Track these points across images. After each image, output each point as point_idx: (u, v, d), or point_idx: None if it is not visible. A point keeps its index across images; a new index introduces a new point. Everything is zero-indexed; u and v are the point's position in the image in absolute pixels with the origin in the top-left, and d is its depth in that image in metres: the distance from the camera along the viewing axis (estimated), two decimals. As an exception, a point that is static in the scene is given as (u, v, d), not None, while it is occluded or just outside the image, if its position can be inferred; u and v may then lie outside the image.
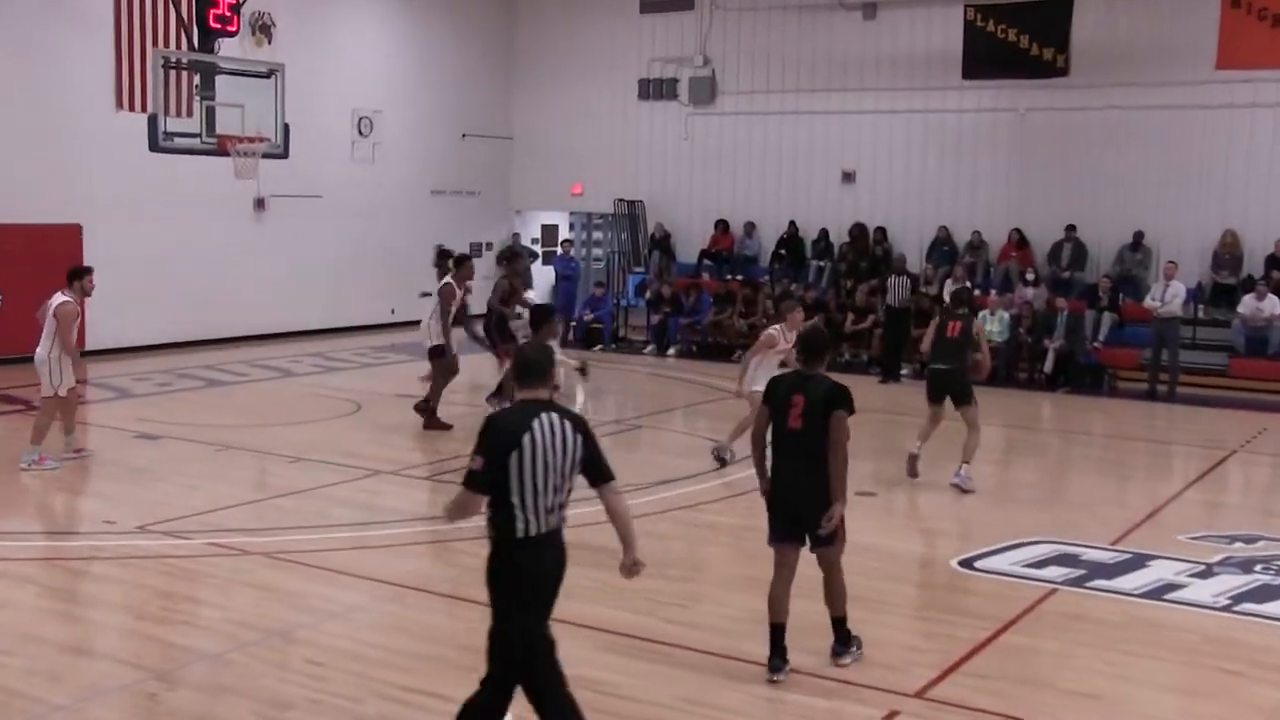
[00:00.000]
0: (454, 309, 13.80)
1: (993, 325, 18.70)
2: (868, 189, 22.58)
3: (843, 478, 6.83)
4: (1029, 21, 20.06)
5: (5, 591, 7.98)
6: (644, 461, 12.62)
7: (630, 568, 5.76)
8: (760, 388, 8.34)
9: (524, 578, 5.35)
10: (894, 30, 22.08)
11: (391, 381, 17.27)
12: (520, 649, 5.32)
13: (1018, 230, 20.67)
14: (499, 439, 5.19)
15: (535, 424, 5.21)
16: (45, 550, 8.95)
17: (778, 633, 6.99)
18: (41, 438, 11.50)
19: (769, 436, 7.02)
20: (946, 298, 19.83)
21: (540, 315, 9.87)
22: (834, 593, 7.14)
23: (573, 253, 25.23)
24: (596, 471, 5.46)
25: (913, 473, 11.79)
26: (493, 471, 5.16)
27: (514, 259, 15.61)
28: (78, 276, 11.77)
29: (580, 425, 5.39)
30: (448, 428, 13.64)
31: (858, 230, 22.07)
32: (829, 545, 6.97)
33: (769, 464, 7.06)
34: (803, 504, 6.86)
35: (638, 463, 12.64)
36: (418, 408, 13.93)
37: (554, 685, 5.38)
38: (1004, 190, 21.36)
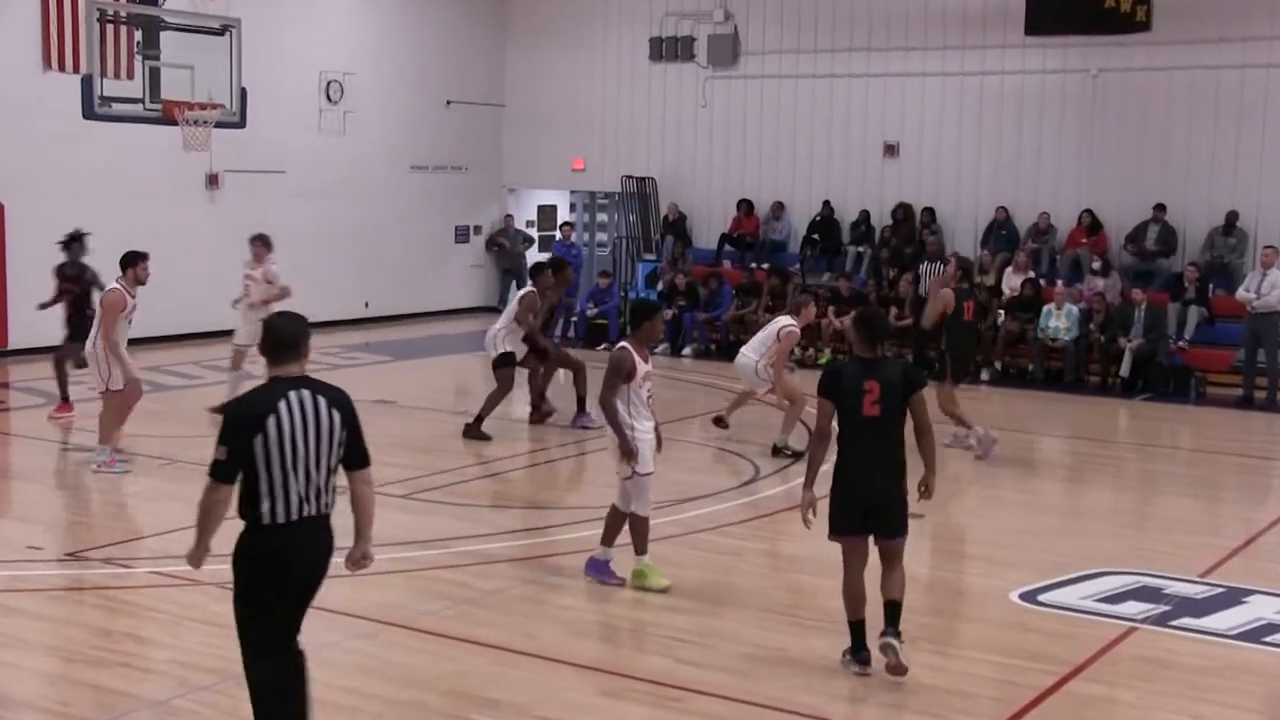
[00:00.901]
0: (533, 319, 14.34)
1: (1059, 321, 18.64)
2: (914, 164, 22.51)
3: (934, 456, 7.65)
4: (1104, -34, 19.97)
5: (-84, 627, 7.95)
6: (659, 477, 12.53)
7: (359, 560, 6.13)
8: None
9: (272, 567, 5.66)
10: (945, -21, 22.04)
11: (366, 386, 17.20)
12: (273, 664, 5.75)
13: (1089, 212, 20.58)
14: (240, 423, 5.57)
15: (282, 404, 5.54)
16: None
17: (858, 629, 7.53)
18: (109, 437, 12.03)
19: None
20: (1006, 289, 19.84)
21: (641, 313, 9.52)
22: (897, 582, 7.59)
23: (574, 237, 25.21)
24: (351, 454, 5.82)
25: (986, 452, 13.37)
26: (237, 459, 5.54)
27: (560, 268, 15.50)
28: (130, 263, 12.45)
29: (339, 401, 5.71)
30: (487, 439, 13.94)
31: (902, 212, 22.01)
32: (901, 537, 7.55)
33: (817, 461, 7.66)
34: (878, 494, 7.44)
35: (649, 479, 12.59)
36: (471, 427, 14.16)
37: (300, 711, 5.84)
38: (1073, 165, 21.26)
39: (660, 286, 22.31)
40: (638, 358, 8.91)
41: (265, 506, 5.59)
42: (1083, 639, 8.28)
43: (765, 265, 22.28)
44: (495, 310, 25.87)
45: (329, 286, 22.97)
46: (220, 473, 5.62)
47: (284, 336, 5.73)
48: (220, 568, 8.98)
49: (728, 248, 23.24)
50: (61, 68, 18.77)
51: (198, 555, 5.90)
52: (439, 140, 25.20)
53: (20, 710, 6.84)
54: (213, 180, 21.12)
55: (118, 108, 15.84)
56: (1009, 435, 14.01)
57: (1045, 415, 16.90)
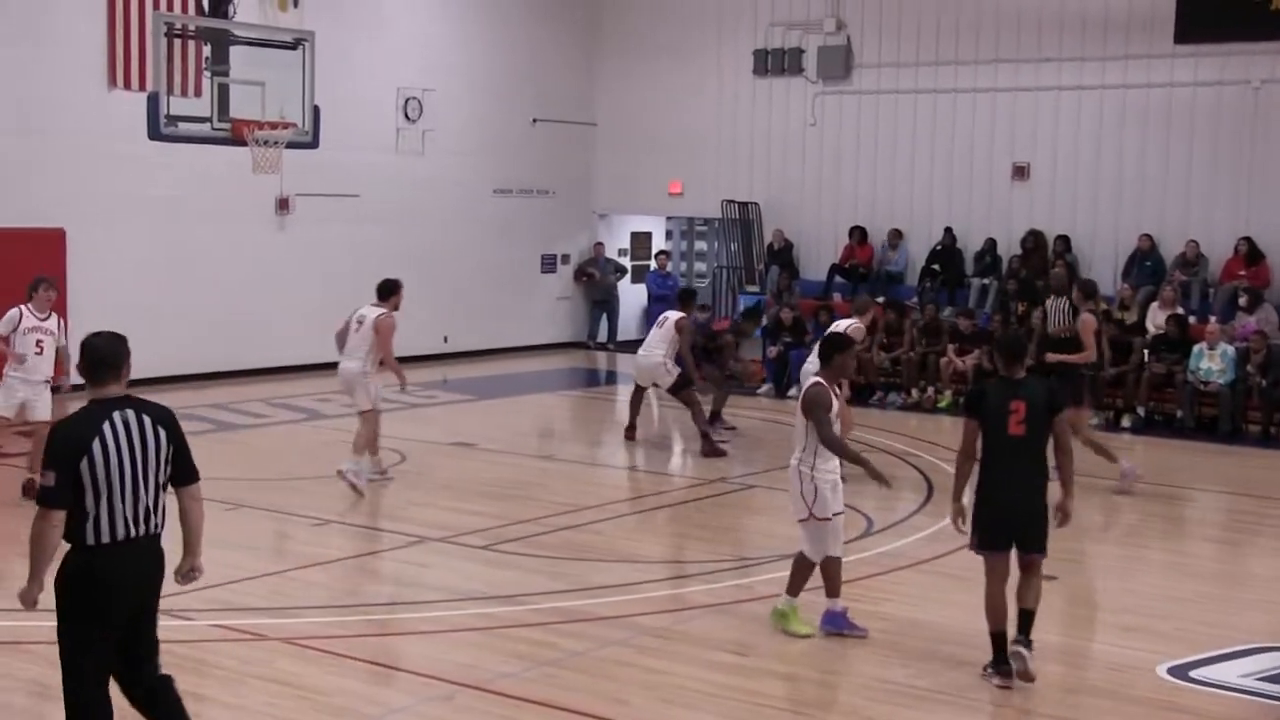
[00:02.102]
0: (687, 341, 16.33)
1: (1211, 363, 18.27)
2: (1046, 188, 22.31)
3: (1073, 481, 8.53)
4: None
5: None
6: (760, 530, 12.52)
7: (188, 574, 6.51)
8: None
9: (97, 588, 5.99)
10: (1083, -16, 21.88)
11: (443, 426, 17.39)
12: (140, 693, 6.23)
13: (1247, 240, 20.26)
14: (66, 448, 5.92)
15: (106, 426, 5.97)
16: (9, 631, 9.08)
17: (999, 641, 8.33)
18: (362, 450, 13.56)
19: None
20: (1151, 326, 19.51)
21: (833, 346, 9.75)
22: (1033, 592, 8.42)
23: (669, 267, 25.28)
24: (180, 471, 6.27)
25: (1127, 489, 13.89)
26: (66, 485, 5.88)
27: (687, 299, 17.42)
28: (392, 292, 14.35)
29: (164, 419, 6.19)
30: (723, 454, 15.97)
31: (1032, 240, 21.79)
32: (1042, 552, 8.38)
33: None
34: (1022, 511, 8.31)
35: (751, 532, 12.56)
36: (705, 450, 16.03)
37: None
38: (1229, 188, 20.93)
39: (764, 321, 22.26)
40: (831, 392, 9.30)
41: (91, 528, 5.96)
42: (1238, 720, 8.10)
43: (880, 299, 22.15)
44: (584, 346, 26.17)
45: (405, 319, 23.11)
46: (50, 499, 5.94)
47: (104, 356, 6.20)
48: (283, 621, 9.13)
49: (838, 279, 23.15)
50: (127, 85, 19.22)
51: (30, 592, 6.20)
52: (524, 161, 25.40)
53: (73, 772, 6.95)
54: (283, 204, 21.49)
55: (184, 127, 16.16)
56: (1155, 489, 13.78)
57: (1196, 467, 16.57)
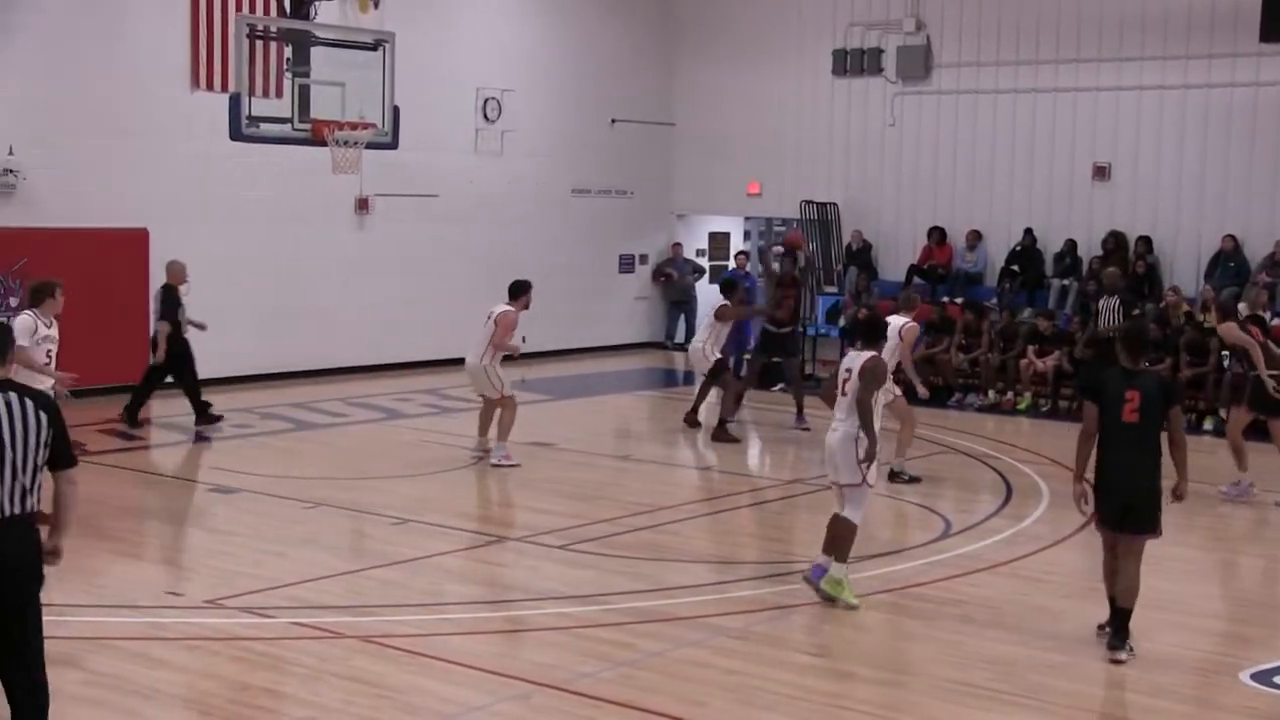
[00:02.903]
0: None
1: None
2: (1127, 188, 22.05)
3: (1187, 467, 9.08)
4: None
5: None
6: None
7: (51, 552, 6.49)
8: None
9: None
10: (1165, -18, 21.59)
11: (522, 427, 17.41)
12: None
13: (1333, 241, 19.91)
14: None
15: None
16: (94, 628, 9.18)
17: (1115, 604, 8.93)
18: (505, 436, 14.70)
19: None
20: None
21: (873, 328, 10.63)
22: (1127, 585, 8.87)
23: (749, 267, 25.18)
24: (58, 455, 6.38)
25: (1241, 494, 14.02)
26: None
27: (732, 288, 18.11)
28: (522, 291, 15.57)
29: (45, 404, 6.34)
30: (735, 440, 16.74)
31: (1113, 241, 21.55)
32: (1148, 533, 8.93)
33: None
34: (1136, 493, 8.88)
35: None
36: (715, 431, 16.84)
37: None
38: (1314, 188, 20.61)
39: (843, 321, 22.16)
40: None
41: None
42: (1325, 727, 7.93)
43: (959, 299, 21.99)
44: (661, 346, 26.16)
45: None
46: None
47: None
48: (360, 619, 9.16)
49: (917, 280, 22.98)
50: (209, 87, 19.43)
51: None
52: (603, 162, 25.44)
53: (154, 766, 7.03)
54: (362, 204, 21.64)
55: (265, 128, 16.25)
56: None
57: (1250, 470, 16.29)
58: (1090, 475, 9.11)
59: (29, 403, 6.28)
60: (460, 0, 23.05)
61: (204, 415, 16.78)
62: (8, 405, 6.21)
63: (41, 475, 6.33)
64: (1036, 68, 22.63)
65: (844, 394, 9.92)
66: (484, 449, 15.04)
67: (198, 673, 8.41)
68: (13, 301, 17.97)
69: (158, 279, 19.18)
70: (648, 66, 26.12)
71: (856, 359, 9.98)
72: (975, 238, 22.96)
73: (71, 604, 9.71)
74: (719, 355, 17.31)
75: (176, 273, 16.88)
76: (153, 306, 17.40)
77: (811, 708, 7.94)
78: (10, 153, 17.91)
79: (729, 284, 18.24)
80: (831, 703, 8.03)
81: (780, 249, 20.20)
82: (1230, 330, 14.32)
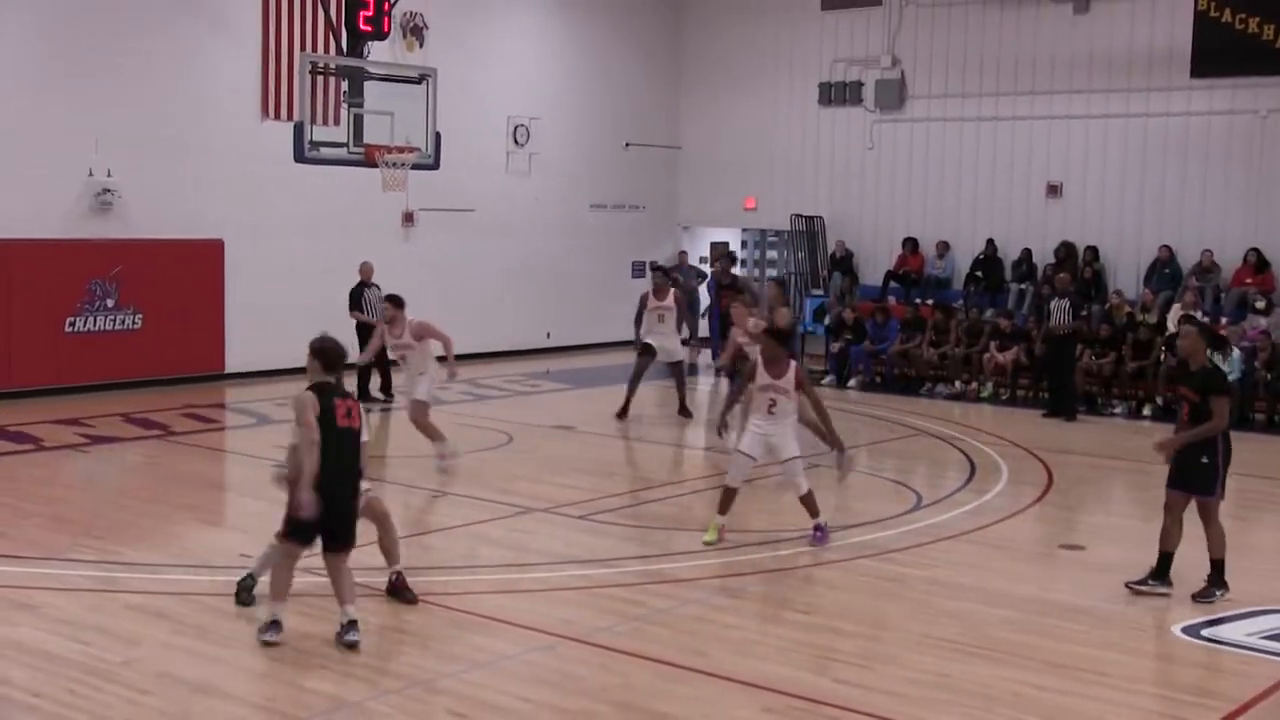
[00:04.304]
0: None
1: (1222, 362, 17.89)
2: (1077, 204, 22.03)
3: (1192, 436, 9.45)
4: (1273, 8, 19.26)
5: (140, 627, 8.28)
6: (824, 505, 12.43)
7: None
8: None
9: None
10: (1110, 25, 21.51)
11: (547, 411, 17.49)
12: None
13: (1255, 250, 19.84)
14: None
15: None
16: (181, 584, 9.26)
17: (1165, 559, 9.46)
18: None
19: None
20: (1171, 325, 19.20)
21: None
22: (1212, 541, 9.40)
23: (735, 270, 25.14)
24: None
25: None
26: None
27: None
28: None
29: None
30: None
31: (1064, 250, 21.53)
32: (1206, 495, 9.42)
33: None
34: (1187, 462, 9.40)
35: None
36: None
37: None
38: (1239, 205, 20.55)
39: (827, 320, 22.16)
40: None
41: None
42: (1250, 676, 7.94)
43: (930, 301, 21.97)
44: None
45: (513, 318, 23.40)
46: None
47: None
48: (429, 579, 9.20)
49: (893, 284, 22.98)
50: (277, 116, 19.51)
51: None
52: (618, 180, 25.47)
53: (232, 703, 7.08)
54: (408, 218, 21.67)
55: (325, 151, 16.33)
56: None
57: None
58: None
59: None
60: (494, 39, 23.07)
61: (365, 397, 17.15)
62: None
63: None
64: (998, 99, 22.60)
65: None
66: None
67: (267, 625, 8.46)
68: (109, 303, 18.07)
69: (232, 284, 19.32)
70: (658, 97, 26.13)
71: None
72: (944, 247, 22.92)
73: (161, 563, 9.80)
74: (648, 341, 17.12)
75: (366, 271, 17.87)
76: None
77: (801, 658, 7.98)
78: (109, 174, 18.00)
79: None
80: (820, 654, 8.06)
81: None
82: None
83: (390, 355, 14.55)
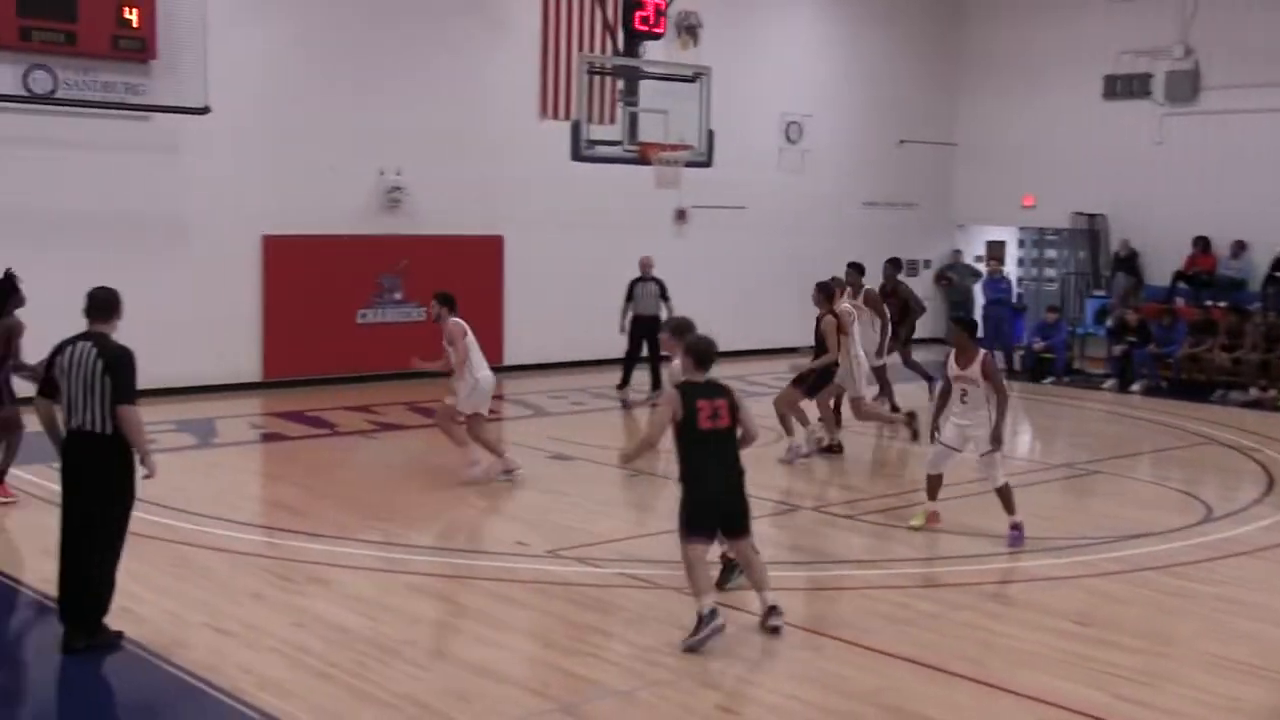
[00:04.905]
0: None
1: None
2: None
3: None
4: None
5: (421, 607, 8.65)
6: (1102, 513, 12.00)
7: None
8: None
9: None
10: None
11: (815, 409, 17.35)
12: None
13: None
14: None
15: None
16: (459, 568, 9.63)
17: None
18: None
19: None
20: None
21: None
22: None
23: (1006, 272, 24.51)
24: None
25: None
26: None
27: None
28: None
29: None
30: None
31: (1377, 249, 20.12)
32: None
33: None
34: None
35: (1094, 513, 12.05)
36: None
37: None
38: None
39: (1109, 322, 21.33)
40: None
41: None
42: None
43: (1223, 304, 20.86)
44: (942, 342, 25.62)
45: (783, 316, 23.31)
46: None
47: None
48: (675, 571, 9.30)
49: (1181, 285, 21.92)
50: (555, 115, 20.04)
51: None
52: (891, 177, 25.16)
53: (506, 685, 7.31)
54: (680, 215, 21.94)
55: (600, 150, 16.66)
56: None
57: None
58: None
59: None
60: (767, 37, 23.11)
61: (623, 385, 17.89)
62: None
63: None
64: (1302, 88, 21.30)
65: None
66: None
67: (541, 610, 8.71)
68: (397, 296, 18.95)
69: (512, 278, 19.98)
70: (933, 93, 25.68)
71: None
72: (1240, 247, 21.74)
73: (442, 546, 10.22)
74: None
75: (645, 264, 18.41)
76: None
77: (1079, 671, 7.69)
78: (397, 173, 18.88)
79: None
80: (1099, 669, 7.75)
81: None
82: None
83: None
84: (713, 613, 7.85)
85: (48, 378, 7.68)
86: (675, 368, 9.25)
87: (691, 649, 7.75)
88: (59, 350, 7.63)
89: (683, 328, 8.72)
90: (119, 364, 7.51)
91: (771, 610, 8.12)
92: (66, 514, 7.62)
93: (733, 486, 8.08)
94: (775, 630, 8.07)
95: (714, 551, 8.48)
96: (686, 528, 8.02)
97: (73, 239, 16.32)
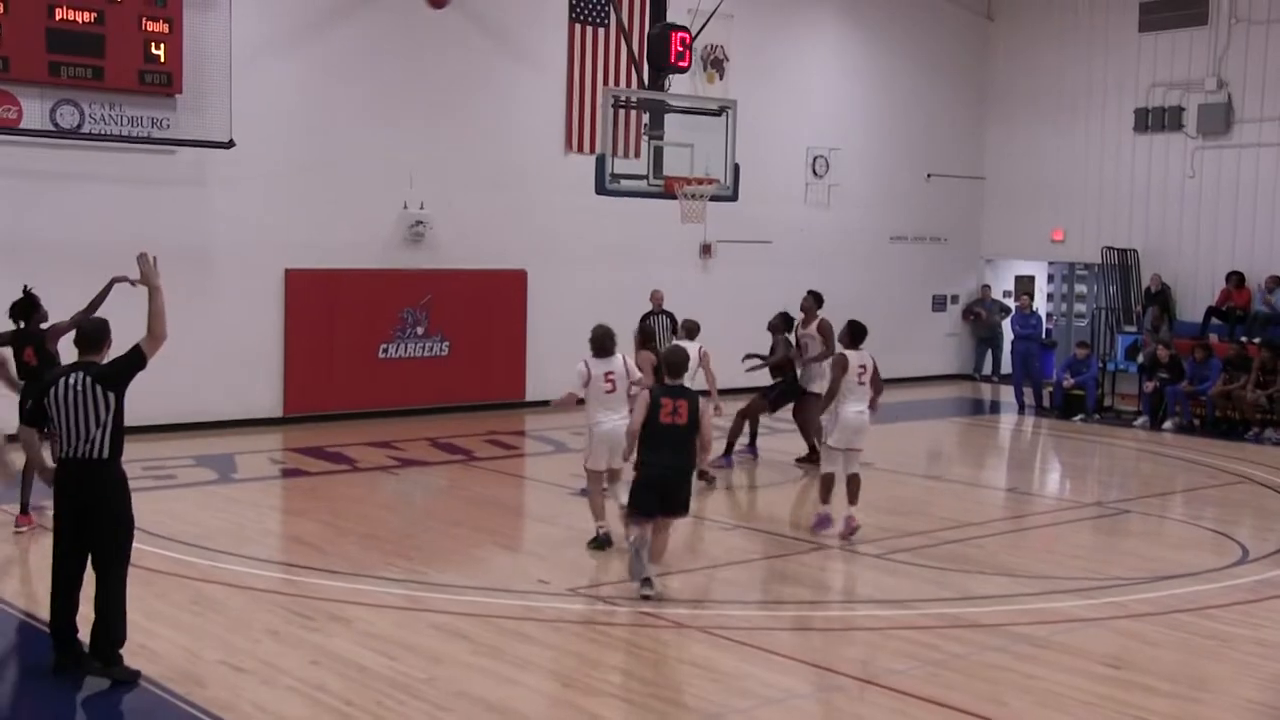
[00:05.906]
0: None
1: None
2: None
3: None
4: None
5: (441, 645, 8.61)
6: (1134, 553, 11.88)
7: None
8: None
9: None
10: None
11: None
12: None
13: None
14: None
15: None
16: (480, 606, 9.58)
17: None
18: None
19: None
20: None
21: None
22: None
23: (1035, 307, 24.41)
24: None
25: None
26: None
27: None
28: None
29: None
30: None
31: None
32: None
33: None
34: None
35: (1126, 553, 11.94)
36: None
37: None
38: None
39: (1141, 358, 21.17)
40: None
41: None
42: None
43: (1257, 340, 20.68)
44: (969, 378, 25.58)
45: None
46: None
47: None
48: (697, 612, 9.25)
49: (1214, 321, 21.75)
50: (580, 149, 20.12)
51: None
52: (918, 212, 25.10)
53: (525, 728, 7.26)
54: (706, 249, 21.93)
55: (625, 183, 16.65)
56: None
57: None
58: None
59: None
60: (793, 70, 23.15)
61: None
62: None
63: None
64: (1337, 122, 21.17)
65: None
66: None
67: (561, 649, 8.65)
68: (419, 331, 18.98)
69: (535, 312, 19.98)
70: (961, 127, 25.66)
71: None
72: (1274, 282, 21.55)
73: (462, 584, 10.17)
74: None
75: (656, 299, 18.50)
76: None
77: (1110, 714, 7.58)
78: (421, 207, 18.95)
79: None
80: (1131, 712, 7.64)
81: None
82: None
83: None
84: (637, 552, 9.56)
85: (37, 405, 7.83)
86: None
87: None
88: (52, 382, 7.77)
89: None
90: (114, 362, 7.87)
91: (646, 581, 9.50)
92: (65, 545, 7.74)
93: (678, 474, 9.56)
94: (645, 599, 9.39)
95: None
96: (631, 506, 9.60)
97: (98, 272, 16.33)
